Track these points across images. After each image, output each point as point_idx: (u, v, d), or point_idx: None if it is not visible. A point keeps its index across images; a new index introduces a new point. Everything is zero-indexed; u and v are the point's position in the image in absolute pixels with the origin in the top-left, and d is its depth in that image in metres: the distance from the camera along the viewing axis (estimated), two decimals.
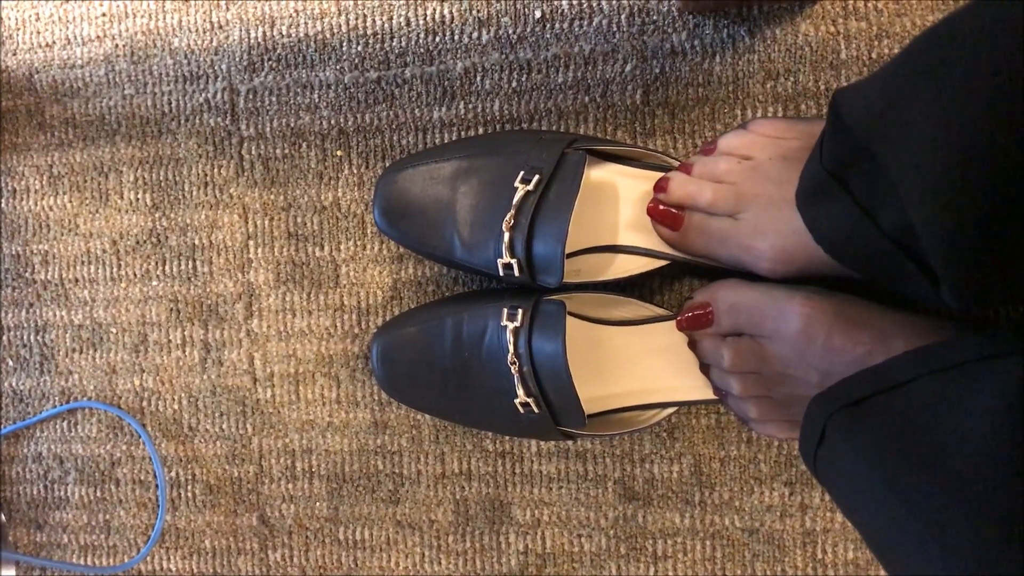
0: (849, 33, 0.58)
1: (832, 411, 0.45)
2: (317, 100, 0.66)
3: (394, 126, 0.65)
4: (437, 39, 0.64)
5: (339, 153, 0.67)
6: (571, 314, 0.59)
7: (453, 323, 0.58)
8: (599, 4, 0.61)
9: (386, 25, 0.65)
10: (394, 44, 0.65)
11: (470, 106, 0.64)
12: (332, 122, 0.66)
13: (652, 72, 0.61)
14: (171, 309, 0.70)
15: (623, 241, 0.58)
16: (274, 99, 0.67)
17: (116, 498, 0.73)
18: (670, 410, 0.60)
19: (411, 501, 0.68)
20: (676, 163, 0.58)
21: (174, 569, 0.73)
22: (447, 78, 0.64)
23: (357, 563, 0.69)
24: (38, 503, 0.75)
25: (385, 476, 0.68)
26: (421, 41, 0.64)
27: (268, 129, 0.67)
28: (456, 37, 0.64)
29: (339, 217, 0.67)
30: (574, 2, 0.61)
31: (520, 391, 0.55)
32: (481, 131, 0.64)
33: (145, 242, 0.70)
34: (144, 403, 0.72)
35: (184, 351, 0.70)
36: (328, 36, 0.66)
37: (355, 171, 0.66)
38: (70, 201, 0.72)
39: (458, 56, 0.64)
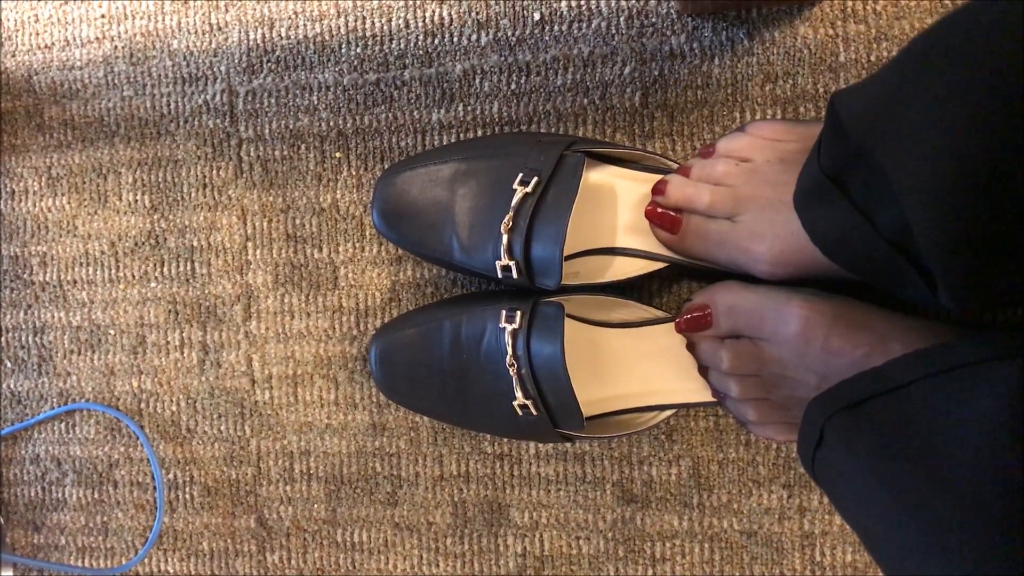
0: (848, 36, 0.58)
1: (830, 413, 0.45)
2: (316, 102, 0.66)
3: (393, 128, 0.65)
4: (436, 41, 0.64)
5: (338, 155, 0.67)
6: (569, 316, 0.59)
7: (452, 325, 0.58)
8: (598, 6, 0.61)
9: (385, 27, 0.65)
10: (393, 46, 0.65)
11: (469, 108, 0.64)
12: (331, 124, 0.66)
13: (651, 74, 0.61)
14: (169, 311, 0.70)
15: (621, 243, 0.58)
16: (273, 101, 0.67)
17: (114, 500, 0.73)
18: (669, 412, 0.60)
19: (409, 503, 0.68)
20: (675, 165, 0.58)
21: (172, 571, 0.72)
22: (446, 80, 0.64)
23: (355, 565, 0.69)
24: (36, 505, 0.75)
25: (383, 478, 0.68)
26: (420, 43, 0.64)
27: (267, 131, 0.67)
28: (455, 39, 0.64)
29: (338, 219, 0.67)
30: (573, 4, 0.61)
31: (518, 393, 0.55)
32: (480, 133, 0.64)
33: (144, 244, 0.70)
34: (142, 405, 0.72)
35: (182, 353, 0.70)
36: (327, 38, 0.66)
37: (354, 173, 0.66)
38: (69, 202, 0.72)
39: (457, 58, 0.64)
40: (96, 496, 0.73)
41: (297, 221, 0.68)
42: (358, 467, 0.68)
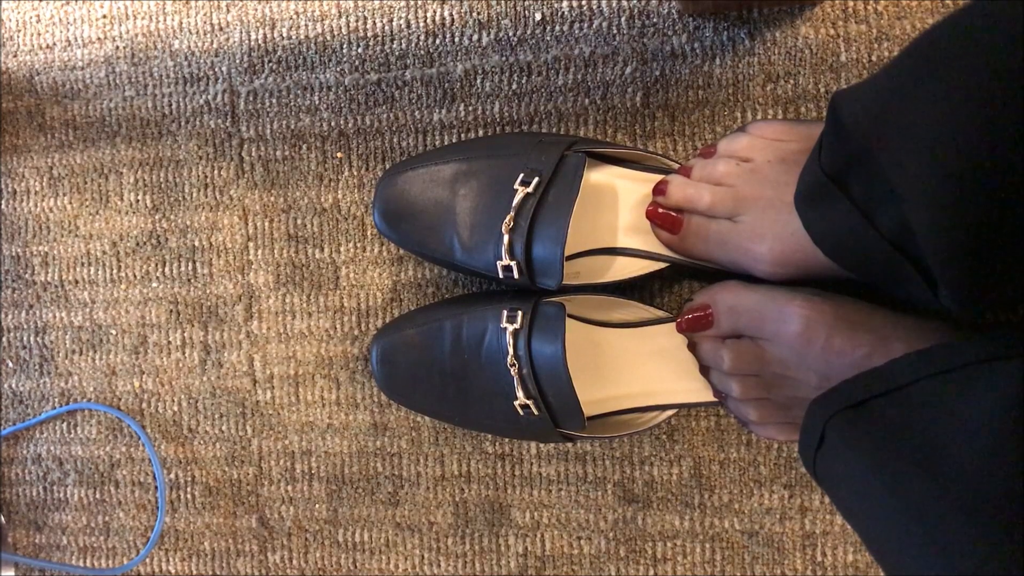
0: (849, 36, 0.58)
1: (832, 414, 0.45)
2: (317, 102, 0.66)
3: (394, 128, 0.65)
4: (437, 41, 0.64)
5: (339, 155, 0.67)
6: (571, 316, 0.59)
7: (453, 325, 0.58)
8: (599, 6, 0.61)
9: (386, 27, 0.65)
10: (394, 46, 0.65)
11: (470, 108, 0.64)
12: (332, 124, 0.66)
13: (652, 74, 0.61)
14: (171, 311, 0.70)
15: (622, 243, 0.58)
16: (274, 101, 0.67)
17: (115, 500, 0.73)
18: (670, 412, 0.60)
19: (410, 503, 0.68)
20: (676, 166, 0.58)
21: (173, 571, 0.73)
22: (447, 80, 0.64)
23: (356, 565, 0.69)
24: (37, 505, 0.75)
25: (384, 478, 0.68)
26: (421, 43, 0.64)
27: (268, 131, 0.68)
28: (456, 39, 0.64)
29: (339, 219, 0.67)
30: (574, 4, 0.61)
31: (520, 393, 0.55)
32: (481, 133, 0.64)
33: (145, 244, 0.71)
34: (144, 405, 0.72)
35: (184, 353, 0.70)
36: (328, 38, 0.66)
37: (355, 173, 0.66)
38: (70, 203, 0.72)
39: (458, 58, 0.64)
40: (98, 496, 0.73)
41: (298, 221, 0.68)
42: (359, 467, 0.68)
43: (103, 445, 0.73)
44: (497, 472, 0.66)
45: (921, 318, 0.52)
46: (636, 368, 0.60)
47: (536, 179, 0.55)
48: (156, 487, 0.72)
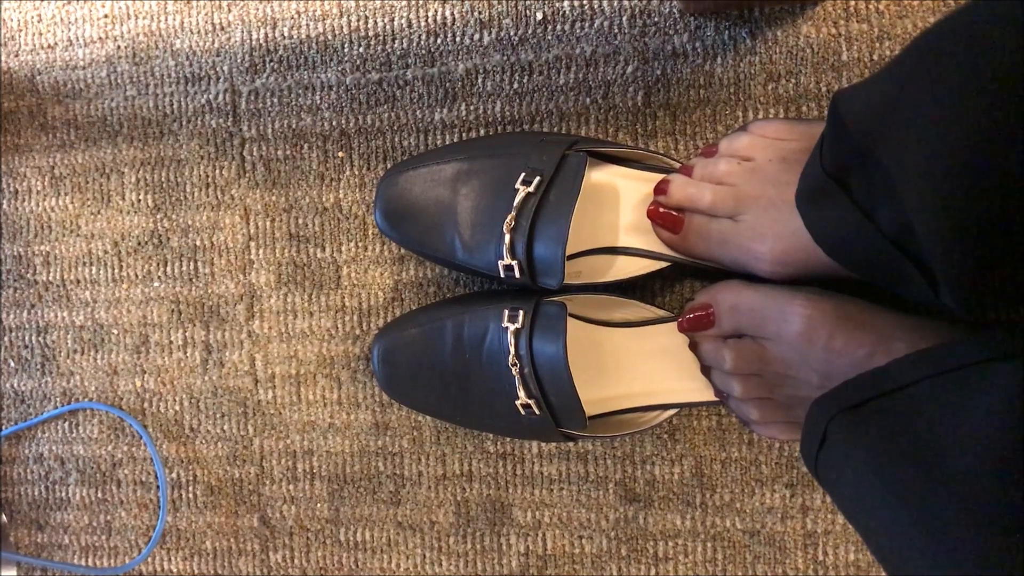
0: (850, 35, 0.58)
1: (833, 414, 0.45)
2: (319, 101, 0.66)
3: (396, 127, 0.65)
4: (439, 41, 0.64)
5: (341, 154, 0.67)
6: (572, 316, 0.59)
7: (454, 325, 0.58)
8: (600, 6, 0.61)
9: (388, 27, 0.65)
10: (396, 46, 0.65)
11: (471, 108, 0.64)
12: (334, 123, 0.66)
13: (653, 74, 0.61)
14: (172, 310, 0.70)
15: (624, 243, 0.58)
16: (276, 100, 0.67)
17: (117, 499, 0.73)
18: (671, 412, 0.60)
19: (412, 502, 0.68)
20: (677, 165, 0.58)
21: (175, 570, 0.73)
22: (449, 80, 0.64)
23: (358, 564, 0.69)
24: (39, 504, 0.75)
25: (386, 477, 0.68)
26: (423, 43, 0.64)
27: (270, 130, 0.68)
28: (458, 39, 0.64)
29: (340, 218, 0.67)
30: (575, 4, 0.61)
31: (521, 392, 0.55)
32: (482, 133, 0.64)
33: (147, 243, 0.71)
34: (145, 404, 0.72)
35: (185, 352, 0.70)
36: (330, 37, 0.66)
37: (356, 172, 0.66)
38: (72, 202, 0.72)
39: (460, 58, 0.64)
40: (99, 495, 0.74)
41: (300, 220, 0.68)
42: (361, 466, 0.68)
43: (105, 444, 0.73)
44: (498, 471, 0.66)
45: (922, 318, 0.52)
46: (637, 367, 0.60)
47: (537, 178, 0.55)
48: (158, 486, 0.72)
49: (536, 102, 0.63)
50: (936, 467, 0.37)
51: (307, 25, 0.66)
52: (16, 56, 0.72)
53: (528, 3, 0.62)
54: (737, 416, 0.59)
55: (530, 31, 0.62)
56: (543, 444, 0.65)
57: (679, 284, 0.62)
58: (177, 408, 0.71)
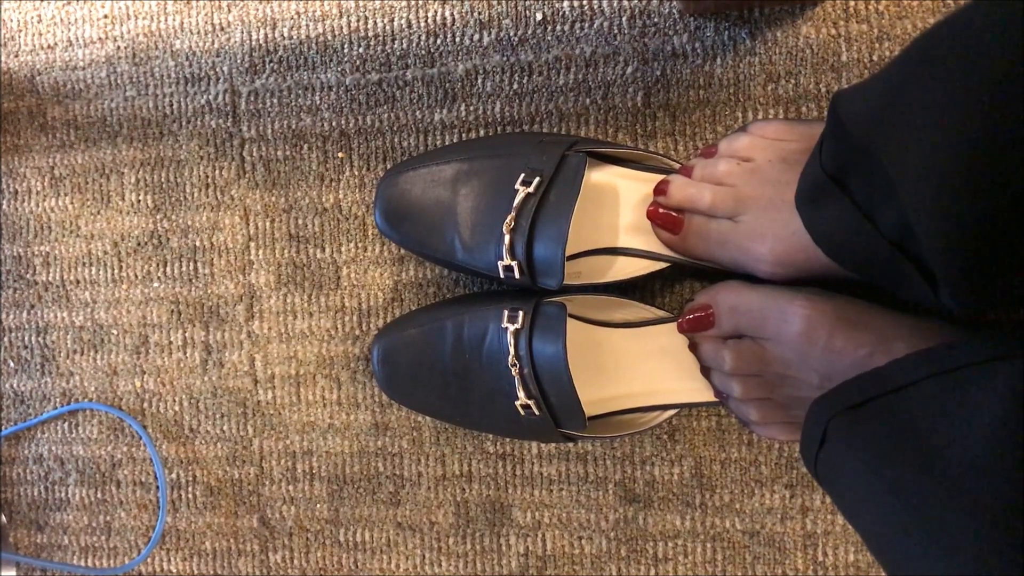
0: (850, 35, 0.58)
1: (833, 414, 0.45)
2: (318, 102, 0.66)
3: (395, 128, 0.65)
4: (438, 41, 0.64)
5: (340, 155, 0.67)
6: (572, 316, 0.59)
7: (454, 325, 0.58)
8: (600, 6, 0.61)
9: (387, 27, 0.65)
10: (395, 46, 0.65)
11: (471, 108, 0.64)
12: (333, 124, 0.66)
13: (653, 74, 0.61)
14: (172, 311, 0.70)
15: (623, 243, 0.58)
16: (275, 101, 0.67)
17: (117, 499, 0.73)
18: (671, 412, 0.60)
19: (412, 503, 0.68)
20: (677, 165, 0.58)
21: (174, 571, 0.73)
22: (448, 80, 0.64)
23: (357, 565, 0.69)
24: (39, 504, 0.75)
25: (386, 478, 0.68)
26: (422, 43, 0.64)
27: (269, 131, 0.68)
28: (457, 39, 0.64)
29: (340, 219, 0.67)
30: (575, 4, 0.61)
31: (521, 393, 0.55)
32: (482, 133, 0.64)
33: (146, 244, 0.71)
34: (145, 404, 0.72)
35: (185, 353, 0.70)
36: (329, 38, 0.66)
37: (356, 173, 0.66)
38: (71, 203, 0.72)
39: (459, 58, 0.64)
40: (99, 496, 0.73)
41: (300, 221, 0.68)
42: (360, 467, 0.68)
43: (104, 445, 0.73)
44: (498, 472, 0.66)
45: (922, 318, 0.52)
46: (637, 368, 0.60)
47: (537, 179, 0.55)
48: (157, 487, 0.72)
49: (536, 103, 0.63)
50: (936, 467, 0.37)
51: (307, 26, 0.66)
52: (16, 56, 0.72)
53: (528, 4, 0.62)
54: (737, 417, 0.59)
55: (530, 32, 0.62)
56: (543, 445, 0.65)
57: (679, 285, 0.62)
58: (177, 409, 0.71)
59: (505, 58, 0.63)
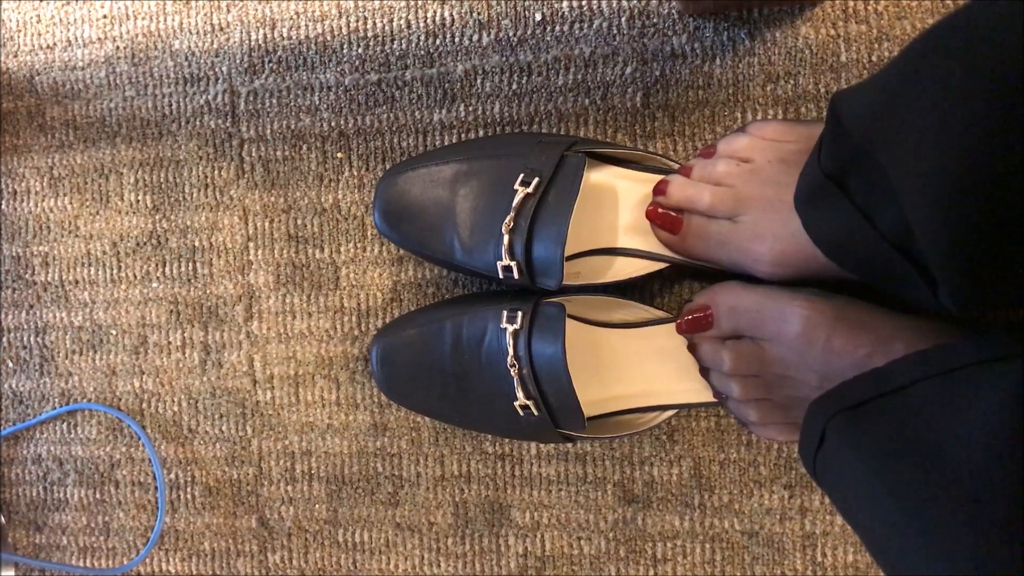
0: (849, 36, 0.58)
1: (832, 414, 0.45)
2: (317, 102, 0.66)
3: (394, 128, 0.65)
4: (437, 41, 0.64)
5: (339, 155, 0.67)
6: (571, 316, 0.59)
7: (453, 326, 0.58)
8: (599, 7, 0.61)
9: (387, 27, 0.65)
10: (395, 46, 0.65)
11: (470, 108, 0.64)
12: (332, 124, 0.66)
13: (652, 75, 0.61)
14: (171, 311, 0.70)
15: (623, 244, 0.58)
16: (275, 101, 0.67)
17: (115, 500, 0.73)
18: (670, 413, 0.60)
19: (410, 503, 0.68)
20: (676, 166, 0.58)
21: (173, 571, 0.73)
22: (447, 80, 0.64)
23: (356, 565, 0.69)
24: (37, 505, 0.75)
25: (384, 478, 0.68)
26: (421, 43, 0.64)
27: (268, 131, 0.68)
28: (456, 39, 0.64)
29: (339, 219, 0.67)
30: (574, 5, 0.61)
31: (520, 393, 0.55)
32: (481, 133, 0.64)
33: (145, 244, 0.71)
34: (144, 405, 0.72)
35: (184, 353, 0.70)
36: (329, 38, 0.66)
37: (355, 173, 0.66)
38: (70, 203, 0.72)
39: (458, 58, 0.64)
40: (97, 496, 0.73)
41: (299, 221, 0.68)
42: (359, 467, 0.68)
43: (103, 445, 0.73)
44: (497, 472, 0.66)
45: (921, 318, 0.52)
46: (636, 368, 0.60)
47: (536, 179, 0.55)
48: (156, 487, 0.72)
49: (535, 103, 0.63)
50: (934, 468, 0.37)
51: (306, 26, 0.66)
52: (15, 57, 0.72)
53: (527, 4, 0.62)
54: (736, 417, 0.59)
55: (529, 32, 0.62)
56: (542, 445, 0.65)
57: (678, 285, 0.62)
58: (175, 409, 0.71)
59: (504, 58, 0.63)
